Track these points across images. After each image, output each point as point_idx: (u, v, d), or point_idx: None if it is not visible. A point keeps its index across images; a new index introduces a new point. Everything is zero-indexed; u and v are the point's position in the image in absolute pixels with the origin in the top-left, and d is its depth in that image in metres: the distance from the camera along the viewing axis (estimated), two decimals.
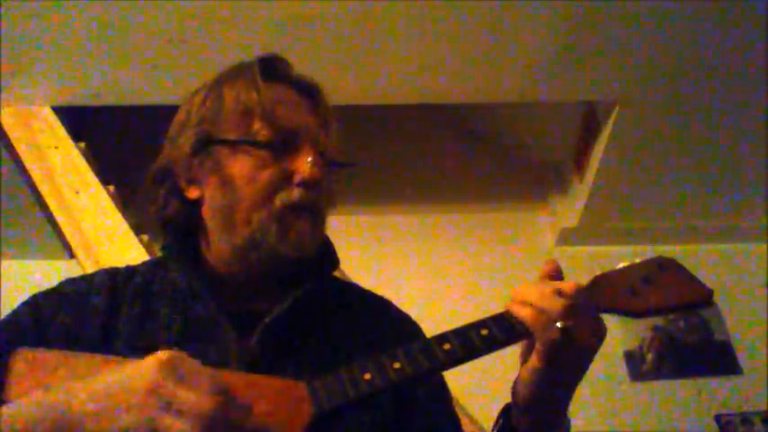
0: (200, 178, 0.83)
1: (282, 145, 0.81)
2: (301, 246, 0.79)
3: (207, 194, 0.82)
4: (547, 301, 0.69)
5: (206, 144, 0.82)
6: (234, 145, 0.81)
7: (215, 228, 0.82)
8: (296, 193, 0.79)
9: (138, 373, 0.58)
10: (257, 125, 0.81)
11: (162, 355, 0.59)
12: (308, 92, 0.87)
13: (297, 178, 0.80)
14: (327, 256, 0.89)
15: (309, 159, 0.80)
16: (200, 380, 0.59)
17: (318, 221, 0.83)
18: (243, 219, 0.79)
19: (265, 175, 0.79)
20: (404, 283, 2.54)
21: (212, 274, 0.83)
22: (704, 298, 0.71)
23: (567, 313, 0.68)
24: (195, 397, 0.57)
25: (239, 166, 0.80)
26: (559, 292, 0.69)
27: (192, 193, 0.83)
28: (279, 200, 0.79)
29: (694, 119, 2.33)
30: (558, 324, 0.67)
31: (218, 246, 0.83)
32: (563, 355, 0.69)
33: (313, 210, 0.81)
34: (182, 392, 0.57)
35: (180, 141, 0.84)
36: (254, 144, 0.80)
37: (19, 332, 0.74)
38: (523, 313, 0.70)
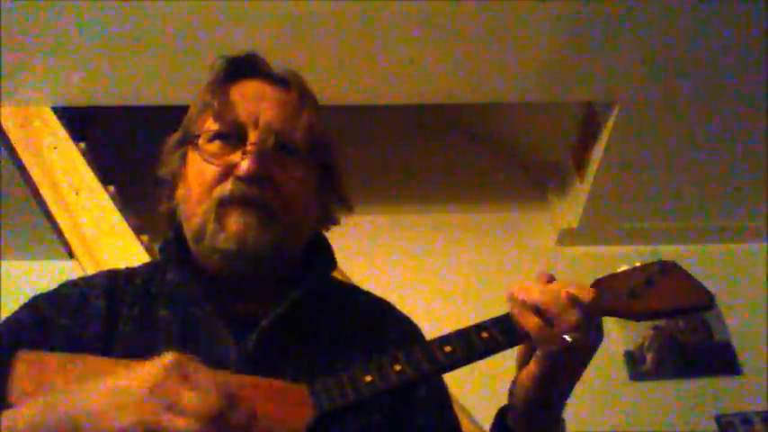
0: (180, 176, 0.85)
1: (229, 139, 0.80)
2: (241, 239, 0.76)
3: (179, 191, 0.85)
4: (563, 312, 0.68)
5: (180, 144, 0.85)
6: (192, 143, 0.82)
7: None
8: (228, 187, 0.77)
9: (142, 374, 0.57)
10: (209, 122, 0.82)
11: (167, 356, 0.59)
12: (279, 83, 0.85)
13: (235, 172, 0.78)
14: (325, 257, 0.89)
15: (247, 150, 0.77)
16: (204, 381, 0.58)
17: (266, 216, 0.77)
18: (191, 213, 0.80)
19: (210, 171, 0.79)
20: (403, 283, 2.54)
21: (206, 274, 0.82)
22: (706, 302, 0.71)
23: (581, 326, 0.67)
24: (199, 397, 0.57)
25: (193, 163, 0.82)
26: (575, 301, 0.68)
27: (178, 191, 0.85)
28: (215, 194, 0.78)
29: (694, 119, 2.32)
30: (567, 337, 0.67)
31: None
32: (563, 361, 0.69)
33: (255, 203, 0.77)
34: (185, 392, 0.57)
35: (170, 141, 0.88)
36: (197, 138, 0.81)
37: (20, 334, 0.74)
38: (530, 324, 0.68)
